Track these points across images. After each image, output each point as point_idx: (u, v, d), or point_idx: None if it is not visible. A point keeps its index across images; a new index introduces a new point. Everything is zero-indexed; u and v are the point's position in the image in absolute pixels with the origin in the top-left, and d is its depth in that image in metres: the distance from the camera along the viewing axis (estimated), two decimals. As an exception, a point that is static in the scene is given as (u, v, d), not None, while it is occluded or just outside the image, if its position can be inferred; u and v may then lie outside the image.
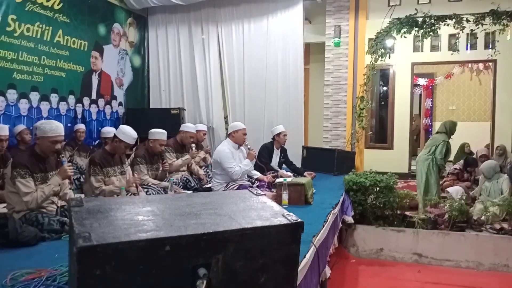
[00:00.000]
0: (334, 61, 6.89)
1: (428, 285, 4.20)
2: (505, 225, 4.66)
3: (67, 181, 3.26)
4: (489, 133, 8.16)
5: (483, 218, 4.79)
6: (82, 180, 4.48)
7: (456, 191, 5.50)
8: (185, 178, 4.93)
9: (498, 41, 6.93)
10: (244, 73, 7.28)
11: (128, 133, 3.80)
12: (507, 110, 7.81)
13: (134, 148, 5.02)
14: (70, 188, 3.39)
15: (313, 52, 8.42)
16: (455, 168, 6.36)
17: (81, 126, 5.92)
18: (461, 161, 6.82)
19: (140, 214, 1.37)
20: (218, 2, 7.33)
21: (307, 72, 8.30)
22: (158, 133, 4.54)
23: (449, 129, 5.60)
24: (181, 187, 4.73)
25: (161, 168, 4.65)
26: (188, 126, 5.49)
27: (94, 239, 1.14)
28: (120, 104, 7.23)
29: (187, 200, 1.58)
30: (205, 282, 1.24)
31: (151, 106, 7.80)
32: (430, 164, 5.35)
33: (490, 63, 8.13)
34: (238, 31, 7.30)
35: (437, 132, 5.78)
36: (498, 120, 7.90)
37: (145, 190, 4.08)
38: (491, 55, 7.02)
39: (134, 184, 3.92)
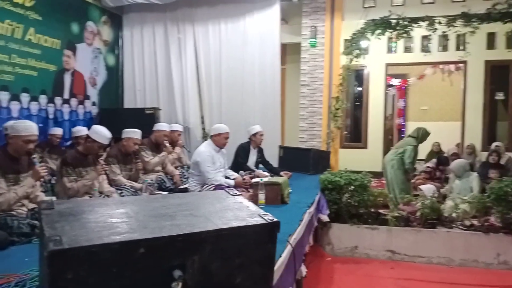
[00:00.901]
0: (310, 61, 6.96)
1: (401, 281, 4.28)
2: (475, 222, 4.80)
3: (38, 183, 3.17)
4: (460, 132, 8.41)
5: (454, 215, 4.93)
6: (53, 182, 4.37)
7: (428, 189, 5.63)
8: (160, 179, 4.86)
9: (468, 43, 7.14)
10: (221, 73, 7.26)
11: (101, 133, 3.73)
12: (477, 110, 8.07)
13: (108, 148, 4.92)
14: (41, 190, 3.30)
15: (289, 52, 8.48)
16: (428, 167, 6.53)
17: (58, 132, 5.69)
18: (434, 160, 6.99)
19: (114, 216, 1.35)
20: (195, 2, 7.29)
21: (284, 72, 8.35)
22: (132, 132, 4.48)
23: (421, 136, 5.80)
24: (156, 188, 4.67)
25: (134, 168, 4.58)
26: (161, 125, 5.42)
27: (65, 243, 1.11)
28: (93, 104, 7.09)
29: (162, 201, 1.57)
30: (180, 283, 1.24)
31: (125, 106, 7.68)
32: (395, 165, 5.51)
33: (461, 65, 8.38)
34: (215, 31, 7.28)
35: (409, 136, 5.93)
36: (468, 120, 8.15)
37: (119, 191, 4.01)
38: (462, 57, 7.23)
39: (103, 172, 3.81)
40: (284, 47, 8.03)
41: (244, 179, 4.65)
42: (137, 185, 4.37)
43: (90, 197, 3.60)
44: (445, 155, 7.30)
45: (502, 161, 6.37)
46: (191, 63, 7.38)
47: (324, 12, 6.86)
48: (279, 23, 6.98)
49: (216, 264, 1.33)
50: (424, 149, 8.02)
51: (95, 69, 7.08)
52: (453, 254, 4.72)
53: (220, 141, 4.49)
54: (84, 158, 3.74)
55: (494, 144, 6.85)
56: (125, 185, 4.23)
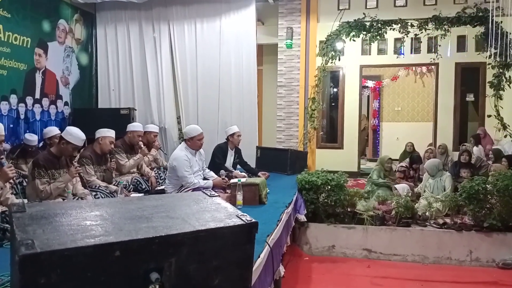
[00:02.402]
0: (286, 62, 6.99)
1: (377, 279, 4.35)
2: (448, 220, 4.93)
3: (8, 185, 3.07)
4: (432, 132, 8.63)
5: (427, 213, 5.04)
6: (24, 184, 4.23)
7: (402, 188, 5.75)
8: (136, 181, 4.78)
9: (440, 45, 7.33)
10: (197, 73, 7.21)
11: (75, 134, 3.64)
12: (448, 111, 8.30)
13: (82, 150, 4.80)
14: (11, 193, 3.20)
15: (266, 53, 8.51)
16: (402, 166, 6.66)
17: (32, 142, 5.25)
18: (407, 159, 7.15)
19: (88, 219, 1.32)
20: (170, 1, 7.22)
21: (261, 73, 8.37)
22: (107, 131, 4.40)
23: (379, 162, 6.14)
24: (132, 189, 4.59)
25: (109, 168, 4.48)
26: (134, 126, 5.30)
27: (37, 246, 1.08)
28: (66, 103, 6.92)
29: (138, 203, 1.54)
30: (157, 286, 1.21)
31: (99, 106, 7.53)
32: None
33: (433, 66, 8.60)
34: (191, 31, 7.22)
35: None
36: (440, 121, 8.37)
37: (94, 193, 3.92)
38: (434, 59, 7.42)
39: (77, 174, 3.72)
40: (261, 48, 8.05)
41: (224, 179, 4.64)
42: (112, 187, 4.28)
43: (64, 199, 3.51)
44: (417, 154, 7.46)
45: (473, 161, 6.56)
46: (166, 62, 7.30)
47: (299, 14, 6.90)
48: (255, 23, 6.99)
49: (194, 266, 1.31)
50: (398, 149, 8.20)
51: (67, 68, 6.91)
52: (427, 252, 4.83)
53: (194, 144, 4.43)
54: (56, 160, 3.64)
55: (462, 145, 7.07)
56: (100, 186, 4.14)
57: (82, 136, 3.69)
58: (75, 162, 3.83)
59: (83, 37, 7.32)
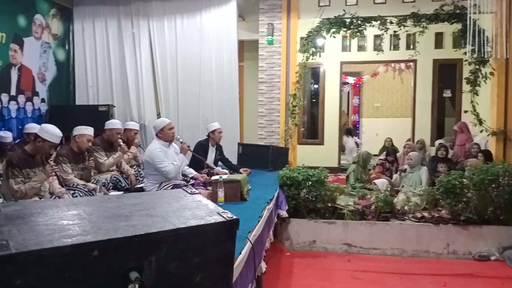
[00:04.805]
0: (267, 58, 7.00)
1: (357, 273, 4.41)
2: (426, 214, 5.03)
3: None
4: (410, 128, 8.78)
5: (406, 208, 5.14)
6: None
7: (382, 183, 5.84)
8: (115, 178, 4.70)
9: (418, 42, 7.45)
10: (178, 69, 7.15)
11: (52, 131, 3.56)
12: (426, 107, 8.45)
13: (58, 148, 4.70)
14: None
15: (247, 49, 8.49)
16: (380, 159, 6.80)
17: (7, 139, 5.22)
18: (384, 153, 7.31)
19: (65, 218, 1.29)
20: (149, -4, 7.13)
21: (242, 69, 8.35)
22: (85, 128, 4.31)
23: (362, 160, 6.17)
24: (111, 187, 4.53)
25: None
26: (113, 123, 5.17)
27: (13, 247, 1.05)
28: (42, 100, 6.76)
29: (116, 202, 1.52)
30: (137, 285, 1.20)
31: (77, 103, 7.39)
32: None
33: (411, 63, 8.74)
34: (171, 27, 7.15)
35: (352, 162, 6.32)
36: (418, 116, 8.53)
37: (71, 192, 3.84)
38: (412, 55, 7.53)
39: (53, 173, 3.65)
40: (242, 44, 8.03)
41: (203, 176, 4.63)
42: (90, 185, 4.21)
43: (40, 198, 3.43)
44: (393, 148, 7.61)
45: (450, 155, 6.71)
46: (146, 58, 7.21)
47: (280, 10, 6.90)
48: (236, 19, 6.97)
49: (174, 264, 1.30)
50: (378, 145, 8.32)
51: (44, 64, 6.75)
52: (406, 245, 4.92)
53: (166, 135, 4.33)
54: (31, 158, 3.55)
55: (437, 142, 7.22)
56: (78, 185, 4.06)
57: (59, 133, 3.61)
58: (51, 160, 3.74)
59: (60, 32, 7.16)
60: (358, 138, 10.88)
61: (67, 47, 7.36)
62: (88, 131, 4.34)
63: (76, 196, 3.77)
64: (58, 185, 3.80)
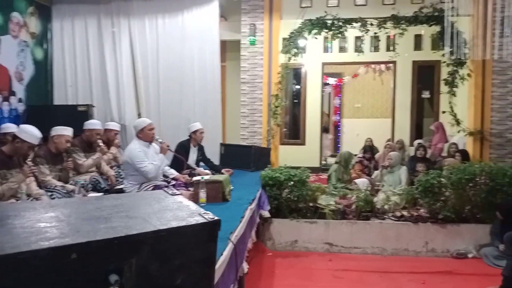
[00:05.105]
0: (249, 59, 7.00)
1: (338, 272, 4.46)
2: (405, 213, 5.12)
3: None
4: (390, 128, 8.91)
5: (386, 207, 5.22)
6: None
7: (362, 182, 5.92)
8: (94, 180, 4.60)
9: (398, 44, 7.56)
10: (159, 69, 7.08)
11: (31, 132, 3.49)
12: (405, 107, 8.60)
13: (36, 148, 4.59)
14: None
15: (229, 49, 8.48)
16: (358, 157, 6.92)
17: None
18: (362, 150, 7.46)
19: (43, 221, 1.26)
20: (130, -5, 7.04)
21: (224, 69, 8.33)
22: (64, 129, 4.22)
23: (344, 160, 6.20)
24: (90, 189, 4.45)
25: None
26: (92, 123, 5.07)
27: (-12, 251, 1.03)
28: (20, 100, 6.60)
29: (96, 203, 1.49)
30: (117, 288, 1.19)
31: (55, 103, 7.23)
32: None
33: (391, 64, 8.87)
34: (152, 26, 7.08)
35: (335, 163, 6.34)
36: (398, 117, 8.67)
37: (49, 194, 3.76)
38: (392, 57, 7.65)
39: (31, 174, 3.57)
40: (224, 44, 8.01)
41: (184, 177, 4.60)
42: (69, 186, 4.12)
43: (17, 200, 3.36)
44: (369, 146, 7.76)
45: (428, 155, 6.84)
46: (126, 58, 7.12)
47: (262, 10, 6.92)
48: (218, 19, 6.95)
49: (155, 266, 1.29)
50: (358, 145, 8.41)
51: (21, 63, 6.59)
52: (386, 244, 4.99)
53: (146, 136, 4.28)
54: (9, 159, 3.47)
55: (416, 142, 7.37)
56: (56, 186, 3.98)
57: (38, 134, 3.55)
58: (29, 161, 3.66)
59: (38, 31, 7.01)
60: (330, 134, 10.96)
61: (45, 46, 7.21)
62: (67, 131, 4.25)
63: (54, 198, 3.70)
64: (35, 186, 3.72)
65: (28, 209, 1.38)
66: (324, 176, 6.79)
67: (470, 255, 4.82)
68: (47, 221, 1.26)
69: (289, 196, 5.08)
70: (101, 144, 4.92)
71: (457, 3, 5.90)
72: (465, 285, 4.14)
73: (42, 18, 7.07)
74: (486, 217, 4.89)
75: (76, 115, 6.15)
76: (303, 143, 8.62)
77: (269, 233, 5.15)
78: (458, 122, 6.51)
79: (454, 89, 6.51)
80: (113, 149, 5.35)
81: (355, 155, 7.01)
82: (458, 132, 6.73)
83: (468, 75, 6.44)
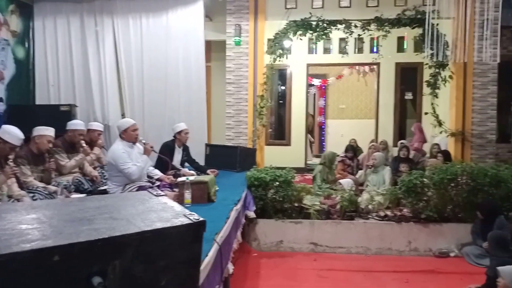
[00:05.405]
0: (235, 59, 6.99)
1: (323, 272, 4.49)
2: (389, 213, 5.18)
3: None
4: (374, 129, 9.01)
5: (369, 207, 5.27)
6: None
7: (347, 182, 5.97)
8: (77, 181, 4.54)
9: (381, 45, 7.65)
10: (143, 69, 7.02)
11: (13, 133, 3.43)
12: (389, 109, 8.70)
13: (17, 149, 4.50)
14: None
15: (214, 50, 8.46)
16: (340, 156, 7.00)
17: None
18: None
19: (24, 223, 1.24)
20: (113, -6, 6.96)
21: (209, 69, 8.31)
22: (45, 129, 4.14)
23: (328, 160, 6.26)
24: (73, 190, 4.38)
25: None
26: (75, 124, 4.99)
27: (-33, 254, 1.00)
28: (0, 100, 6.47)
29: (79, 205, 1.47)
30: (100, 291, 1.17)
31: (37, 103, 7.10)
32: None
33: (375, 66, 8.97)
34: (136, 25, 7.01)
35: (319, 164, 6.38)
36: (381, 118, 8.76)
37: (31, 195, 3.69)
38: (375, 59, 7.73)
39: (13, 175, 3.50)
40: (209, 44, 7.99)
41: (169, 178, 4.57)
42: (51, 187, 4.05)
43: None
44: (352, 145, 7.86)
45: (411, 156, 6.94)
46: (110, 57, 7.03)
47: (247, 11, 6.92)
48: (203, 19, 6.92)
49: (139, 268, 1.28)
50: (343, 146, 8.47)
51: (2, 62, 6.45)
52: (370, 244, 5.05)
53: (129, 136, 4.20)
54: (-11, 160, 3.40)
55: (399, 142, 7.48)
56: (38, 187, 3.90)
57: (21, 135, 3.49)
58: (10, 161, 3.58)
59: (20, 29, 6.88)
60: (312, 137, 11.06)
61: (27, 45, 7.08)
62: (49, 131, 4.18)
63: (36, 199, 3.63)
64: (17, 188, 3.65)
65: (9, 210, 1.36)
66: (309, 176, 6.83)
67: (452, 254, 4.90)
68: (28, 223, 1.24)
69: (274, 196, 5.09)
70: (84, 145, 4.84)
71: (438, 6, 6.00)
72: (447, 284, 4.21)
73: (23, 16, 6.94)
74: (468, 216, 4.98)
75: (58, 115, 6.05)
76: (288, 144, 8.65)
77: (254, 234, 5.16)
78: (440, 123, 6.62)
79: (436, 90, 6.62)
80: (96, 150, 5.27)
81: (338, 155, 7.06)
82: (440, 133, 6.84)
83: (450, 77, 6.56)
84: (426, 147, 7.58)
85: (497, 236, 4.09)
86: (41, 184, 4.01)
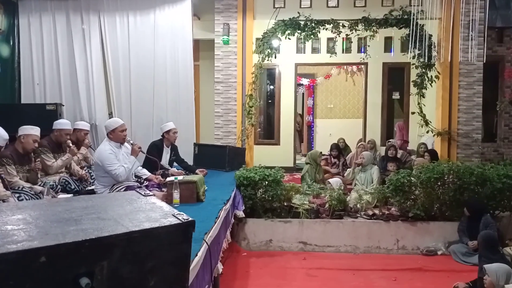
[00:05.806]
0: (223, 58, 6.97)
1: (312, 270, 4.50)
2: (377, 211, 5.22)
3: None
4: (362, 129, 9.07)
5: (358, 205, 5.31)
6: None
7: (335, 182, 6.00)
8: (64, 181, 4.47)
9: (369, 45, 7.70)
10: (130, 67, 6.95)
11: (-2, 133, 3.36)
12: (376, 108, 8.76)
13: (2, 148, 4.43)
14: None
15: (202, 48, 8.42)
16: (324, 155, 7.06)
17: None
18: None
19: (9, 223, 1.22)
20: (100, -9, 6.89)
21: (197, 68, 8.26)
22: (31, 128, 4.07)
23: (312, 159, 6.34)
24: (60, 190, 4.32)
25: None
26: (61, 123, 4.90)
27: (-49, 255, 0.98)
28: (-16, 99, 6.37)
29: (65, 205, 1.45)
30: (88, 292, 1.15)
31: (23, 101, 7.00)
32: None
33: (362, 66, 9.02)
34: (123, 23, 6.94)
35: (306, 163, 6.45)
36: (369, 117, 8.82)
37: (17, 195, 3.63)
38: (363, 58, 7.78)
39: None
40: (197, 43, 7.95)
41: (157, 178, 4.53)
42: (37, 187, 3.99)
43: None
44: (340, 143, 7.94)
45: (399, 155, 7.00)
46: (97, 55, 6.96)
47: (236, 10, 6.90)
48: (191, 18, 6.88)
49: (127, 269, 1.26)
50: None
51: (-15, 60, 6.36)
52: (358, 242, 5.08)
53: (117, 137, 4.14)
54: (-27, 159, 3.33)
55: (387, 141, 7.55)
56: (24, 187, 3.84)
57: (5, 135, 3.43)
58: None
59: (4, 27, 6.76)
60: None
61: (11, 43, 6.96)
62: (34, 131, 4.10)
63: (22, 200, 3.57)
64: (2, 188, 3.58)
65: (-6, 211, 1.33)
66: (298, 175, 6.85)
67: (439, 252, 4.96)
68: (14, 224, 1.22)
69: (263, 196, 5.10)
70: (70, 144, 4.77)
71: (425, 6, 6.06)
72: (434, 281, 4.26)
73: (7, 14, 6.82)
74: (454, 214, 5.05)
75: (44, 114, 5.96)
76: (277, 143, 8.65)
77: (243, 233, 5.15)
78: (427, 123, 6.69)
79: (423, 90, 6.68)
80: (83, 150, 5.20)
81: (321, 153, 7.10)
82: (427, 132, 6.91)
83: (436, 77, 6.63)
84: (413, 146, 7.67)
85: (487, 236, 4.11)
86: (27, 184, 3.94)
